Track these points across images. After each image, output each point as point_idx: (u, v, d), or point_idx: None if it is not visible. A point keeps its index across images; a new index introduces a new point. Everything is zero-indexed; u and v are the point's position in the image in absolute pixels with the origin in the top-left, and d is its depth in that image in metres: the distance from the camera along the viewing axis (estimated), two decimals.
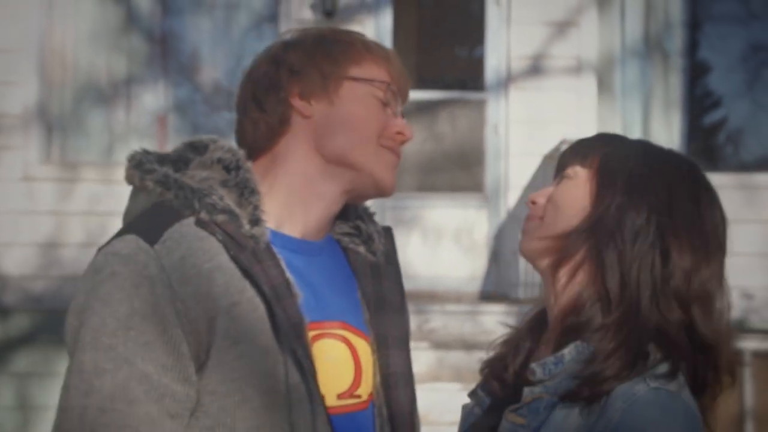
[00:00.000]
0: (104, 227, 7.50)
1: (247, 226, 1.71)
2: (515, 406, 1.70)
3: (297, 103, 1.80)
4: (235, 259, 1.68)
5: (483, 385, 1.87)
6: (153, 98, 8.06)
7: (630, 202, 1.70)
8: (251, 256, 1.69)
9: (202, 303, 1.64)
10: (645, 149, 1.79)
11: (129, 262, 1.65)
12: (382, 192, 1.86)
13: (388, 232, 2.00)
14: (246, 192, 1.75)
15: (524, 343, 1.81)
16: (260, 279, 1.68)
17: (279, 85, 1.81)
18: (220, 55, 8.11)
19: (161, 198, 1.74)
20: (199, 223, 1.69)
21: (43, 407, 7.47)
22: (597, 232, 1.71)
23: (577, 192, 1.76)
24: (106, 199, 7.59)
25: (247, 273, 1.67)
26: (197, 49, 8.14)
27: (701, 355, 1.69)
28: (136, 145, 7.94)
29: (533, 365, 1.71)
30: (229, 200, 1.73)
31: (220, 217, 1.70)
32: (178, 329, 1.63)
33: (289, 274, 1.73)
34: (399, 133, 1.85)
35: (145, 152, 1.80)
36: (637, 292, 1.67)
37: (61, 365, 7.73)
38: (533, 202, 1.83)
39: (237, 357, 1.65)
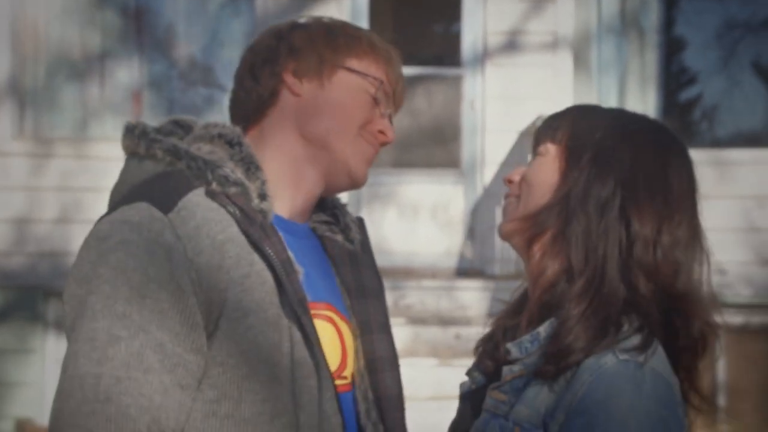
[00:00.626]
0: (78, 203, 7.47)
1: (256, 200, 1.73)
2: (497, 383, 1.72)
3: (289, 79, 1.82)
4: (245, 231, 1.68)
5: (477, 365, 1.88)
6: (127, 74, 8.00)
7: (596, 176, 1.71)
8: (260, 230, 1.70)
9: (215, 274, 1.64)
10: (615, 119, 1.79)
11: (142, 229, 1.64)
12: (354, 182, 1.88)
13: (360, 222, 2.01)
14: (252, 167, 1.76)
15: (511, 322, 1.82)
16: (270, 253, 1.69)
17: (276, 60, 1.83)
18: (196, 30, 8.05)
19: (169, 168, 1.73)
20: (210, 194, 1.70)
21: (17, 384, 7.44)
22: (565, 208, 1.72)
23: (548, 169, 1.77)
24: (80, 175, 7.55)
25: (256, 246, 1.68)
26: (172, 25, 8.08)
27: (677, 320, 1.69)
28: (110, 121, 7.93)
29: (509, 345, 1.72)
30: (239, 174, 1.74)
31: (232, 190, 1.71)
32: (194, 298, 1.63)
33: (289, 251, 1.74)
34: (381, 132, 1.87)
35: (144, 123, 1.79)
36: (603, 264, 1.67)
37: (36, 342, 7.72)
38: (509, 181, 1.84)
39: (246, 329, 1.66)
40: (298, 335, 1.68)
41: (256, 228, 1.69)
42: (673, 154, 1.76)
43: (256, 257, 1.68)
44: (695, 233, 1.74)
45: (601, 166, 1.71)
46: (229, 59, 7.77)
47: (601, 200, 1.69)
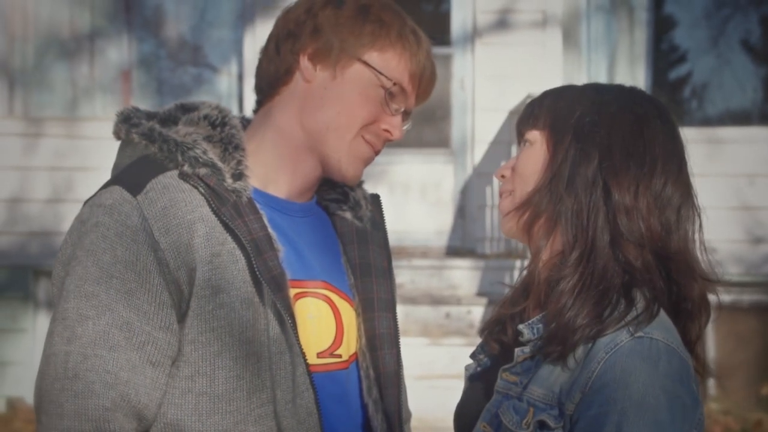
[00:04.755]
0: (69, 182, 7.46)
1: (229, 180, 1.75)
2: (509, 365, 1.72)
3: (304, 62, 1.81)
4: (216, 211, 1.71)
5: (483, 346, 1.89)
6: (117, 53, 7.98)
7: (580, 155, 1.72)
8: (232, 209, 1.73)
9: (183, 253, 1.68)
10: (589, 95, 1.80)
11: (113, 212, 1.68)
12: (344, 180, 1.88)
13: (375, 199, 2.03)
14: (230, 147, 1.78)
15: (519, 304, 1.82)
16: (241, 232, 1.71)
17: (298, 37, 1.82)
18: (185, 9, 8.02)
19: (146, 151, 1.77)
20: (183, 176, 1.73)
21: (10, 363, 7.45)
22: (555, 190, 1.73)
23: (536, 156, 1.78)
24: (71, 154, 7.54)
25: (227, 226, 1.71)
26: (161, 4, 8.05)
27: (677, 283, 1.70)
28: (100, 100, 7.89)
29: (520, 326, 1.73)
30: (212, 155, 1.76)
31: (203, 171, 1.73)
32: (160, 278, 1.67)
33: (271, 230, 1.76)
34: (386, 130, 1.86)
35: (135, 109, 1.84)
36: (592, 240, 1.68)
37: (27, 321, 7.70)
38: (502, 176, 1.84)
39: (217, 307, 1.69)
40: (272, 312, 1.71)
41: (227, 208, 1.72)
42: (648, 119, 1.76)
43: (228, 237, 1.71)
44: (684, 193, 1.74)
45: (582, 145, 1.72)
46: (218, 38, 7.75)
47: (588, 178, 1.70)
